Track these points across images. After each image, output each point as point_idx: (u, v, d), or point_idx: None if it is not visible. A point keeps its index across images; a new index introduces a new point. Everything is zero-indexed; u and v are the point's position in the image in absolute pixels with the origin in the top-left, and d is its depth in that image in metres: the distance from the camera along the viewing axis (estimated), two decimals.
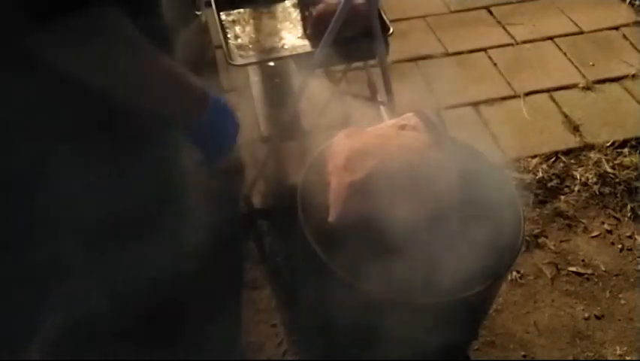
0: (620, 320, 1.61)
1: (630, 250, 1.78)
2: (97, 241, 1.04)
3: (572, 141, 2.08)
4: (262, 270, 1.65)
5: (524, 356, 1.53)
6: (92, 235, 1.01)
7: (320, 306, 1.37)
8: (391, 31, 1.62)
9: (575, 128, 2.12)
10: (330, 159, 1.26)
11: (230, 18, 1.63)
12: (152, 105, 0.88)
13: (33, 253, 1.00)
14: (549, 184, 1.93)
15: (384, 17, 1.65)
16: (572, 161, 2.01)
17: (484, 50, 2.46)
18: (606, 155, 2.02)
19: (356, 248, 1.13)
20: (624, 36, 2.55)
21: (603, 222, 1.85)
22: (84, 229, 0.99)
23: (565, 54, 2.46)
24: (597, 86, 2.31)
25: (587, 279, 1.70)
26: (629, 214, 1.87)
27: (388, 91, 1.71)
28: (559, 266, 1.73)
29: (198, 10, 2.09)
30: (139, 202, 0.97)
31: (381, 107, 1.99)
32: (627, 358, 1.54)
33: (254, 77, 2.09)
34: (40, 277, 1.06)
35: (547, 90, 2.29)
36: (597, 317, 1.62)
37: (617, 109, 2.22)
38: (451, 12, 2.68)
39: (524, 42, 2.51)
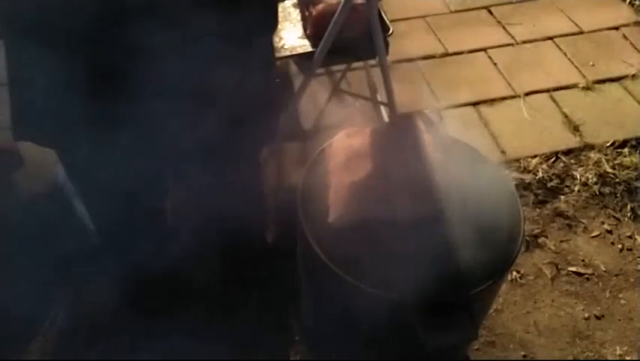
0: (620, 320, 1.61)
1: (630, 250, 1.78)
2: None
3: (572, 141, 2.08)
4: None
5: (524, 356, 1.53)
6: None
7: (320, 306, 1.37)
8: (391, 31, 1.62)
9: (575, 128, 2.12)
10: (330, 159, 1.26)
11: None
12: None
13: None
14: (549, 184, 1.93)
15: (385, 17, 1.65)
16: (572, 161, 2.01)
17: (484, 50, 2.46)
18: (606, 155, 2.02)
19: (356, 248, 1.13)
20: (624, 36, 2.55)
21: (603, 222, 1.85)
22: None
23: (565, 54, 2.46)
24: (597, 86, 2.31)
25: (587, 279, 1.70)
26: (629, 214, 1.87)
27: (388, 91, 1.71)
28: (559, 266, 1.73)
29: None
30: None
31: (381, 107, 1.99)
32: (627, 358, 1.54)
33: None
34: None
35: (547, 90, 2.29)
36: (597, 317, 1.62)
37: (617, 109, 2.21)
38: (451, 12, 2.68)
39: (524, 42, 2.51)
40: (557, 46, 2.50)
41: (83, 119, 0.95)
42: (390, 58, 1.67)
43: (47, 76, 0.94)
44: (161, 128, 0.98)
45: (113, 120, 0.94)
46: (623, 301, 1.65)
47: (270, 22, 1.14)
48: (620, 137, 2.09)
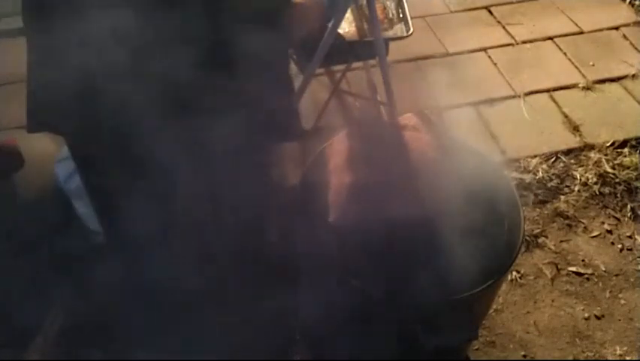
0: (620, 320, 1.61)
1: (630, 250, 1.78)
2: None
3: (572, 141, 2.08)
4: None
5: (524, 356, 1.53)
6: None
7: (320, 306, 1.37)
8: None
9: (575, 128, 2.12)
10: (330, 159, 1.26)
11: None
12: None
13: None
14: (549, 184, 1.93)
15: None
16: (572, 161, 2.01)
17: (484, 50, 2.47)
18: (606, 155, 2.02)
19: (356, 248, 1.13)
20: (624, 36, 2.55)
21: (603, 222, 1.85)
22: None
23: (565, 54, 2.46)
24: (597, 86, 2.31)
25: (587, 279, 1.70)
26: (629, 214, 1.87)
27: (388, 91, 1.71)
28: (559, 266, 1.73)
29: None
30: None
31: (381, 107, 2.00)
32: (627, 358, 1.54)
33: None
34: None
35: (547, 90, 2.29)
36: (597, 317, 1.62)
37: (617, 109, 2.22)
38: (451, 12, 2.68)
39: (524, 42, 2.51)
40: (557, 46, 2.50)
41: (99, 108, 0.96)
42: (390, 58, 1.67)
43: (65, 65, 0.94)
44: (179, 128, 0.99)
45: (129, 114, 0.95)
46: (623, 301, 1.65)
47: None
48: (620, 137, 2.09)
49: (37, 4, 0.95)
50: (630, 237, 1.81)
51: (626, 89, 2.30)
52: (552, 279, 1.70)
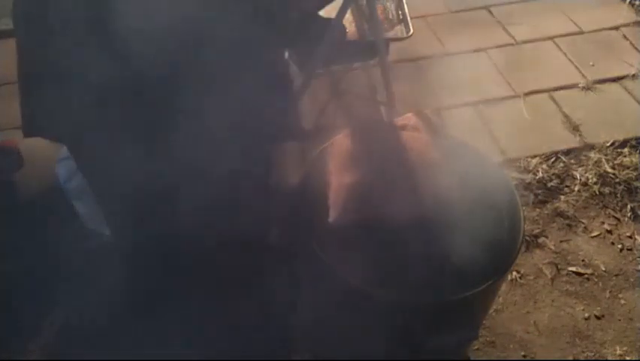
0: (620, 320, 1.61)
1: (630, 250, 1.78)
2: None
3: (572, 141, 2.08)
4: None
5: (524, 356, 1.53)
6: None
7: (320, 306, 1.37)
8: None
9: (575, 129, 2.12)
10: (330, 159, 1.26)
11: None
12: None
13: None
14: (549, 184, 1.93)
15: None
16: (572, 161, 2.01)
17: (484, 50, 2.46)
18: (606, 155, 2.02)
19: (356, 248, 1.13)
20: (624, 36, 2.55)
21: (603, 222, 1.85)
22: None
23: (565, 54, 2.46)
24: (597, 86, 2.31)
25: (587, 279, 1.70)
26: (629, 214, 1.87)
27: (388, 91, 1.71)
28: (559, 266, 1.73)
29: None
30: None
31: (381, 107, 2.00)
32: (627, 358, 1.54)
33: None
34: None
35: (547, 90, 2.29)
36: (597, 317, 1.62)
37: (617, 109, 2.21)
38: (451, 12, 2.68)
39: (524, 42, 2.51)
40: (557, 46, 2.50)
41: (95, 116, 0.96)
42: (390, 58, 1.68)
43: (60, 71, 0.94)
44: (176, 127, 0.99)
45: (127, 117, 0.95)
46: (623, 301, 1.65)
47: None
48: (620, 137, 2.09)
49: (28, 8, 0.94)
50: (630, 237, 1.81)
51: (626, 89, 2.30)
52: (552, 279, 1.70)
